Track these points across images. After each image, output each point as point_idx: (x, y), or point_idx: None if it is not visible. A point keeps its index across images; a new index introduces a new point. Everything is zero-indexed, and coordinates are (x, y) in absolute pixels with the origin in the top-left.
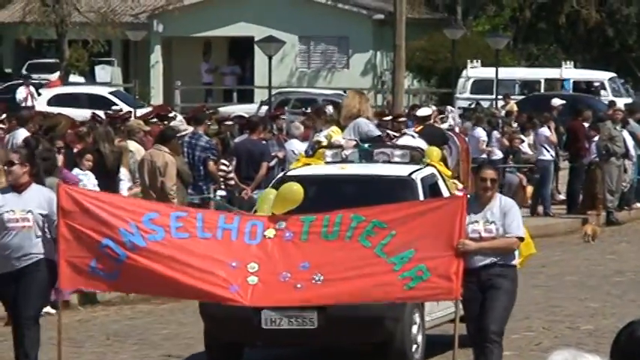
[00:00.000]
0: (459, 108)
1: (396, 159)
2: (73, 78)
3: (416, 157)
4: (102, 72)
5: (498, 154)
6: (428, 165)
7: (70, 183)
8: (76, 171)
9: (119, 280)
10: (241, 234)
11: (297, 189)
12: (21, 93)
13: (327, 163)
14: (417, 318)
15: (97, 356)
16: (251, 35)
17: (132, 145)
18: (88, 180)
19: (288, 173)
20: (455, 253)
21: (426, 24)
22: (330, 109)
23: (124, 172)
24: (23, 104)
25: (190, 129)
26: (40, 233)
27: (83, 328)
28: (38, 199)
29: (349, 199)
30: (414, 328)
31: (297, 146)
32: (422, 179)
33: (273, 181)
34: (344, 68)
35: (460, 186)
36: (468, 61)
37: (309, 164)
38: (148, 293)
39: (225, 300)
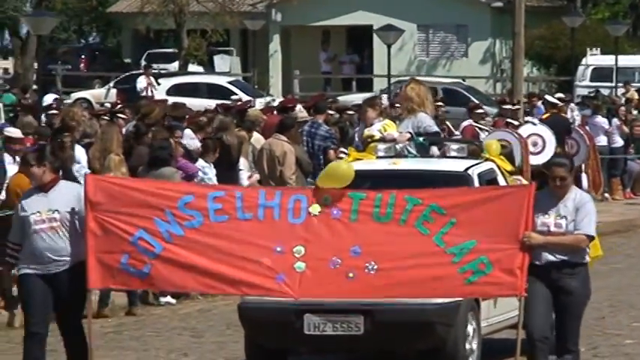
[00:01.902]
0: (579, 96)
1: (453, 153)
2: (191, 67)
3: (474, 151)
4: (221, 61)
5: (619, 142)
6: (487, 160)
7: (189, 173)
8: (200, 162)
9: (151, 277)
10: (284, 211)
11: (345, 167)
12: (141, 83)
13: (378, 157)
14: (472, 322)
15: (218, 346)
16: (369, 24)
17: (253, 134)
18: (209, 169)
19: None
20: (520, 246)
21: (545, 12)
22: (385, 100)
23: (243, 162)
24: (143, 94)
25: (310, 118)
26: (69, 232)
27: (203, 317)
28: (66, 196)
29: None
30: (469, 334)
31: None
32: (479, 174)
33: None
34: (463, 57)
35: (525, 182)
36: (588, 48)
37: (359, 159)
38: (182, 289)
39: (271, 292)
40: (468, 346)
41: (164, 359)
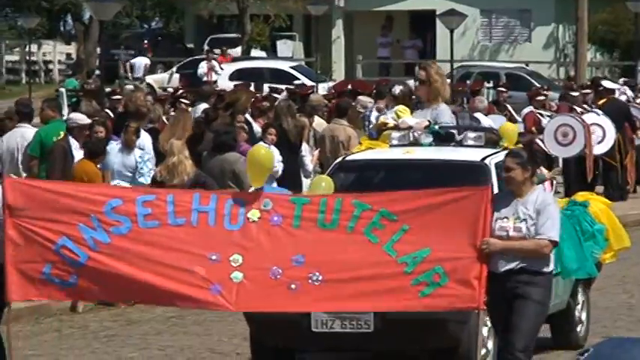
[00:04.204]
0: None
1: (469, 142)
2: (254, 53)
3: (492, 139)
4: (284, 46)
5: None
6: (505, 148)
7: None
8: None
9: (79, 287)
10: (220, 217)
11: (264, 152)
12: (202, 68)
13: (392, 146)
14: (487, 321)
15: None
16: (432, 9)
17: (315, 119)
18: None
19: (347, 158)
20: (478, 254)
21: None
22: (398, 88)
23: (305, 148)
24: (204, 79)
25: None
26: None
27: None
28: None
29: (414, 187)
30: (484, 332)
31: (482, 120)
32: (497, 165)
33: (330, 168)
34: (526, 42)
35: (545, 172)
36: None
37: (372, 148)
38: (114, 300)
39: (205, 305)
40: (483, 345)
41: (227, 344)
